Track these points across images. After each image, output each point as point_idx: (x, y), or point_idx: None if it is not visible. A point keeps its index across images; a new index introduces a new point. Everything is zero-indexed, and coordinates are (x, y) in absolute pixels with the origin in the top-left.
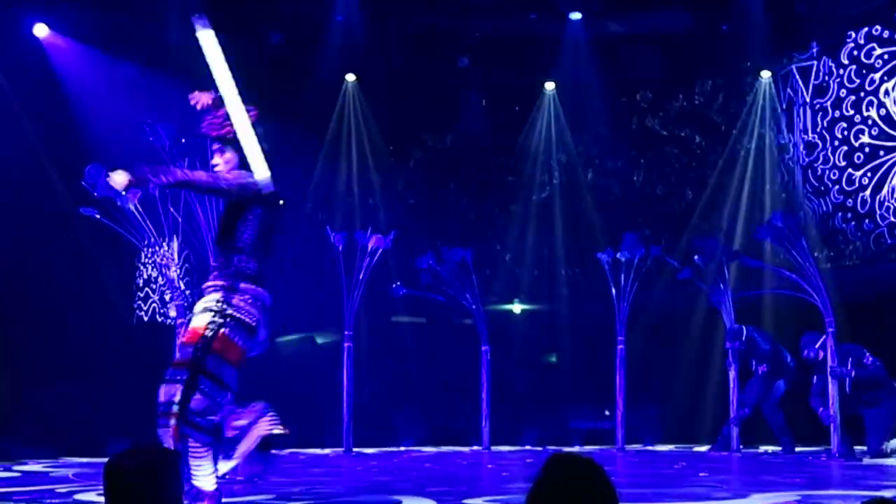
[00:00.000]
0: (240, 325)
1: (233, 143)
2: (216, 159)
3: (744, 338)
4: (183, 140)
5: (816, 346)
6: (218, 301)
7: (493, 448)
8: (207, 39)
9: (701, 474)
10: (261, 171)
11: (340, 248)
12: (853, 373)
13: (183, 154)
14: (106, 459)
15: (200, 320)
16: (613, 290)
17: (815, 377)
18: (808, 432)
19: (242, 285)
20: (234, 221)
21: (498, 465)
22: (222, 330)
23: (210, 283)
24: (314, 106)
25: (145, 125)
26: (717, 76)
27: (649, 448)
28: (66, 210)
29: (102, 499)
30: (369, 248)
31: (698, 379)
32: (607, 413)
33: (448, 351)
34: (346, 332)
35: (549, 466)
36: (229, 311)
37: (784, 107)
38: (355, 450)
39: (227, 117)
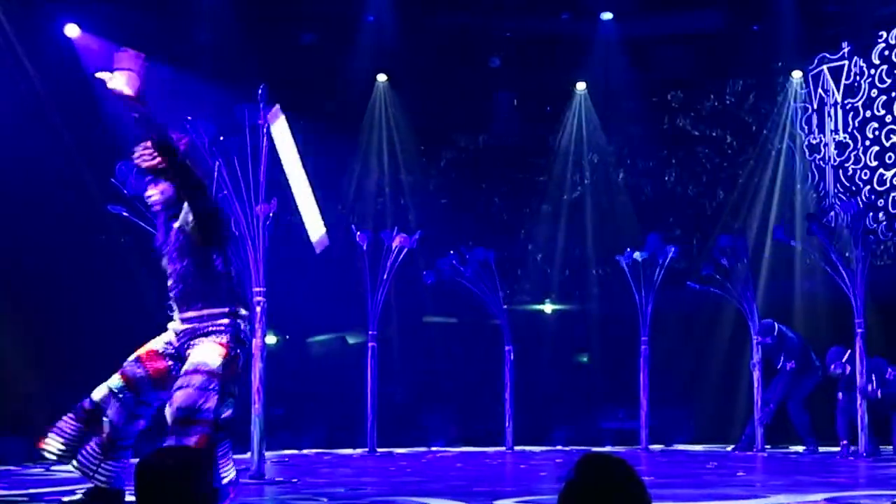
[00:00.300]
0: (245, 352)
1: (164, 173)
2: (150, 191)
3: (775, 333)
4: (221, 138)
5: (843, 360)
6: (229, 325)
7: (517, 448)
8: (280, 127)
9: (738, 473)
10: (317, 231)
11: (365, 248)
12: (879, 393)
13: (222, 152)
14: (137, 460)
15: (219, 339)
16: (635, 291)
17: (839, 392)
18: (829, 433)
19: (242, 311)
20: (208, 245)
21: (530, 466)
22: (239, 352)
23: (208, 311)
24: (345, 106)
25: (185, 122)
26: (748, 76)
27: (673, 448)
28: (100, 209)
29: (133, 498)
30: (394, 248)
31: (729, 379)
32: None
33: (480, 351)
34: (370, 332)
35: (580, 466)
36: (243, 338)
37: (815, 107)
38: (380, 450)
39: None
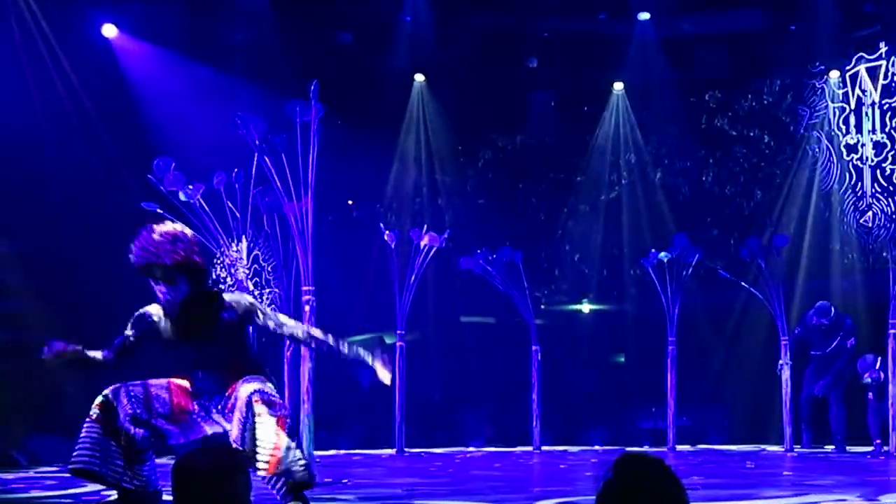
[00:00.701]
0: None
1: (158, 269)
2: (163, 286)
3: (832, 314)
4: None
5: (877, 367)
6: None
7: (545, 448)
8: None
9: (785, 473)
10: None
11: (393, 247)
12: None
13: (272, 149)
14: (174, 459)
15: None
16: (661, 292)
17: (869, 393)
18: (857, 434)
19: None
20: (245, 336)
21: (569, 465)
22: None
23: (246, 380)
24: (383, 106)
25: (236, 118)
26: (786, 76)
27: (697, 448)
28: (138, 209)
29: (170, 498)
30: (423, 247)
31: (765, 378)
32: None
33: (516, 351)
34: (398, 332)
35: (618, 466)
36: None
37: (852, 106)
38: (412, 450)
39: (173, 239)
